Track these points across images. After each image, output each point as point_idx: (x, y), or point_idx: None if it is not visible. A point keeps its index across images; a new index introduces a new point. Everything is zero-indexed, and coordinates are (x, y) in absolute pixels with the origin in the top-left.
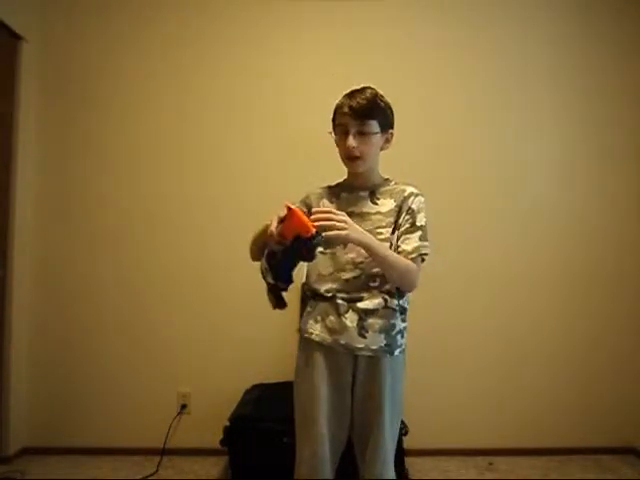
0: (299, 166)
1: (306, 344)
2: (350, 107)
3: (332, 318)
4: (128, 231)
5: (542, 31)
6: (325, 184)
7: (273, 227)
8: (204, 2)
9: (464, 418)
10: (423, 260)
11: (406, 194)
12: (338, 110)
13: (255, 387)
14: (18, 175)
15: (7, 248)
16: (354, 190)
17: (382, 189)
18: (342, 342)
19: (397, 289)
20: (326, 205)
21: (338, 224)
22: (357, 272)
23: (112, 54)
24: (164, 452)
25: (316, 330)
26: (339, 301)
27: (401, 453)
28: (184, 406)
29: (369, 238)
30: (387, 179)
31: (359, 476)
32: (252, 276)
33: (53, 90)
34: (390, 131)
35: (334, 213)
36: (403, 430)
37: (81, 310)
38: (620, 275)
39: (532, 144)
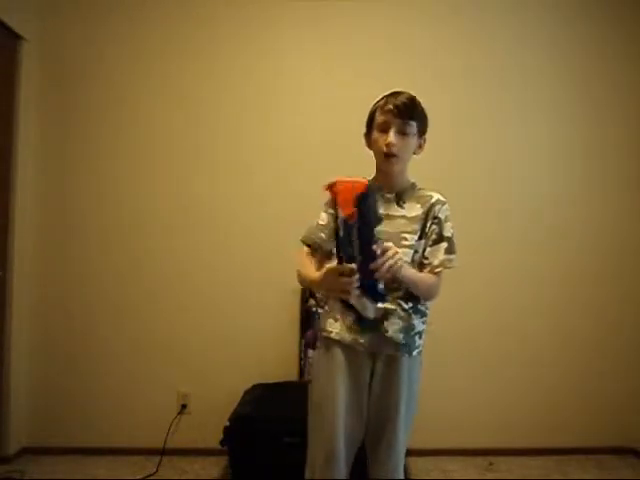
0: (308, 167)
1: (325, 343)
2: (395, 105)
3: (351, 317)
4: (128, 231)
5: (545, 29)
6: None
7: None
8: (208, 4)
9: (464, 418)
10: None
11: (433, 201)
12: (380, 108)
13: (255, 387)
14: (18, 175)
15: (7, 248)
16: (381, 191)
17: (409, 193)
18: (361, 341)
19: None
20: None
21: (397, 265)
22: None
23: (112, 54)
24: (164, 452)
25: (336, 329)
26: (362, 301)
27: None
28: (184, 406)
29: (411, 272)
30: (413, 183)
31: (368, 475)
32: (252, 276)
33: (53, 90)
34: (424, 137)
35: (391, 256)
36: None
37: (81, 310)
38: (621, 276)
39: (533, 144)
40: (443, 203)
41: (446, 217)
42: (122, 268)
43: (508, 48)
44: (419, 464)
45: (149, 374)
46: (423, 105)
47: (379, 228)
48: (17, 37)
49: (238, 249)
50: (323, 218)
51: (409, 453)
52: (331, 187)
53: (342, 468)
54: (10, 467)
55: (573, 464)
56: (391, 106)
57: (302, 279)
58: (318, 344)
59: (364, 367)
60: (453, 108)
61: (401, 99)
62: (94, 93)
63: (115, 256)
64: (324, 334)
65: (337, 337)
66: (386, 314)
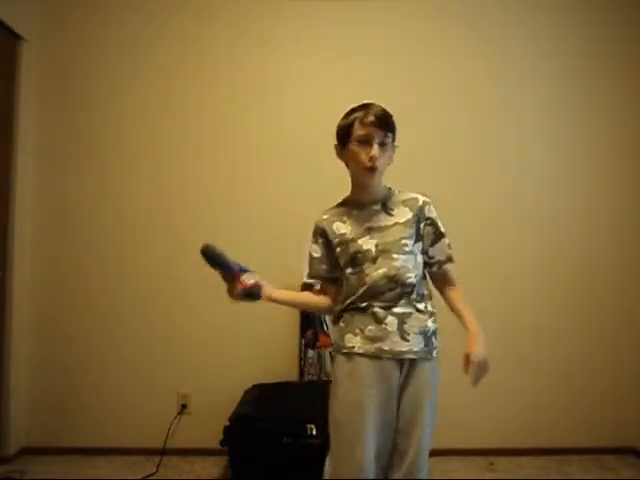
0: (308, 167)
1: (347, 357)
2: (377, 117)
3: (371, 327)
4: (128, 231)
5: (542, 32)
6: (329, 206)
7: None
8: (207, 3)
9: (464, 418)
10: None
11: (420, 203)
12: (360, 120)
13: (255, 387)
14: (18, 175)
15: (7, 248)
16: (365, 205)
17: (391, 199)
18: (386, 348)
19: (423, 292)
20: (340, 228)
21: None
22: (392, 285)
23: (112, 54)
24: (164, 452)
25: (357, 342)
26: (376, 309)
27: None
28: (184, 406)
29: (484, 342)
30: (390, 188)
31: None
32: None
33: (53, 90)
34: (395, 145)
35: (483, 370)
36: None
37: (81, 310)
38: (620, 275)
39: (533, 144)
40: (429, 203)
41: (436, 216)
42: (122, 268)
43: (505, 46)
44: None
45: (149, 374)
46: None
47: (378, 241)
48: (17, 37)
49: (238, 249)
50: (316, 250)
51: None
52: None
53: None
54: (10, 467)
55: (573, 464)
56: (372, 118)
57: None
58: (337, 361)
59: (392, 373)
60: (454, 108)
61: (379, 111)
62: (94, 93)
63: (115, 256)
64: (344, 350)
65: (361, 350)
66: (404, 317)
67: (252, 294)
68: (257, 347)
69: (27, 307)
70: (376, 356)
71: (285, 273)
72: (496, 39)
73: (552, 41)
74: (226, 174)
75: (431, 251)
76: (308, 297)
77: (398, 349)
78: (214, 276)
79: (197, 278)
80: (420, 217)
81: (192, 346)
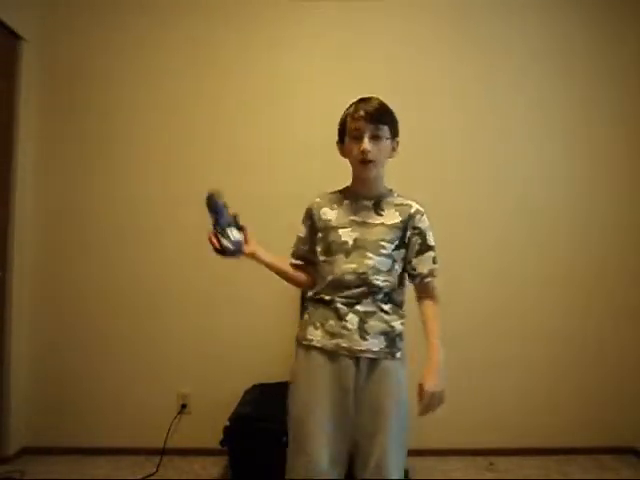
0: (307, 167)
1: (305, 351)
2: (365, 111)
3: (332, 322)
4: (128, 232)
5: (535, 33)
6: (328, 190)
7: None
8: (206, 4)
9: (464, 418)
10: None
11: (412, 211)
12: (351, 115)
13: (255, 387)
14: (18, 175)
15: (7, 248)
16: (358, 198)
17: (386, 200)
18: (344, 345)
19: (395, 298)
20: (326, 213)
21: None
22: (358, 282)
23: (112, 53)
24: (164, 452)
25: (317, 336)
26: (339, 305)
27: None
28: (184, 406)
29: (443, 372)
30: (391, 190)
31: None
32: (252, 276)
33: (53, 90)
34: (397, 139)
35: (434, 403)
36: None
37: (81, 310)
38: (621, 276)
39: (533, 144)
40: (422, 213)
41: (427, 227)
42: (121, 268)
43: (501, 47)
44: (419, 464)
45: (149, 374)
46: (393, 109)
47: (358, 236)
48: (17, 37)
49: None
50: (302, 231)
51: (409, 453)
52: None
53: (325, 473)
54: (10, 467)
55: (573, 464)
56: (362, 112)
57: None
58: (298, 352)
59: (348, 371)
60: (453, 108)
61: (371, 104)
62: (94, 93)
63: (115, 256)
64: (304, 342)
65: (319, 344)
66: (366, 317)
67: (222, 252)
68: (257, 347)
69: (27, 307)
70: (333, 352)
71: None
72: (490, 40)
73: (547, 42)
74: (225, 174)
75: (414, 262)
76: (291, 270)
77: (356, 347)
78: (214, 276)
79: (197, 278)
80: (408, 225)
81: (192, 346)
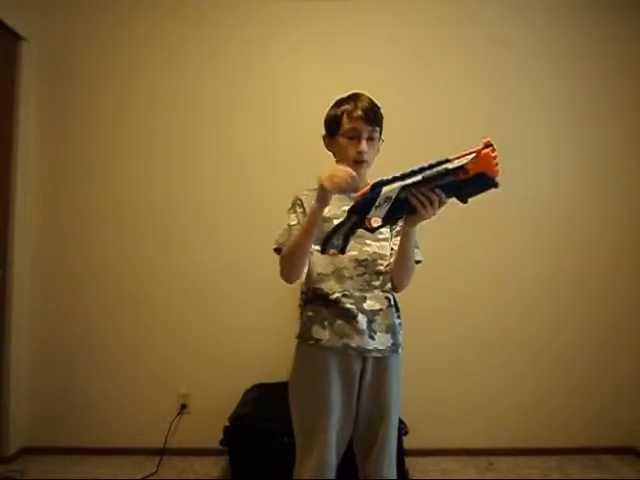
0: (306, 166)
1: (311, 350)
2: (364, 112)
3: (340, 322)
4: (128, 231)
5: (537, 34)
6: (313, 186)
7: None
8: (205, 4)
9: (464, 418)
10: None
11: None
12: (348, 114)
13: (255, 387)
14: (18, 175)
15: (7, 248)
16: (346, 192)
17: None
18: (353, 345)
19: (391, 288)
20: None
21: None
22: (360, 270)
23: (112, 53)
24: (164, 452)
25: (325, 336)
26: (348, 305)
27: (401, 453)
28: (184, 406)
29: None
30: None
31: (358, 475)
32: (252, 276)
33: (53, 90)
34: (381, 139)
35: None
36: (403, 430)
37: (81, 310)
38: (620, 277)
39: (534, 145)
40: None
41: None
42: (121, 268)
43: (499, 43)
44: (419, 464)
45: (149, 374)
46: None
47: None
48: (17, 37)
49: (237, 249)
50: (294, 219)
51: (409, 453)
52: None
53: (333, 472)
54: (10, 467)
55: (573, 464)
56: (360, 112)
57: (291, 250)
58: (301, 351)
59: (355, 370)
60: (454, 109)
61: (366, 104)
62: (94, 93)
63: (114, 256)
64: (311, 342)
65: (328, 344)
66: (374, 315)
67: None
68: (257, 347)
69: (27, 306)
70: (341, 352)
71: None
72: (488, 36)
73: (549, 43)
74: (225, 174)
75: (395, 243)
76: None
77: (365, 347)
78: (213, 276)
79: (196, 278)
80: None
81: (192, 346)
